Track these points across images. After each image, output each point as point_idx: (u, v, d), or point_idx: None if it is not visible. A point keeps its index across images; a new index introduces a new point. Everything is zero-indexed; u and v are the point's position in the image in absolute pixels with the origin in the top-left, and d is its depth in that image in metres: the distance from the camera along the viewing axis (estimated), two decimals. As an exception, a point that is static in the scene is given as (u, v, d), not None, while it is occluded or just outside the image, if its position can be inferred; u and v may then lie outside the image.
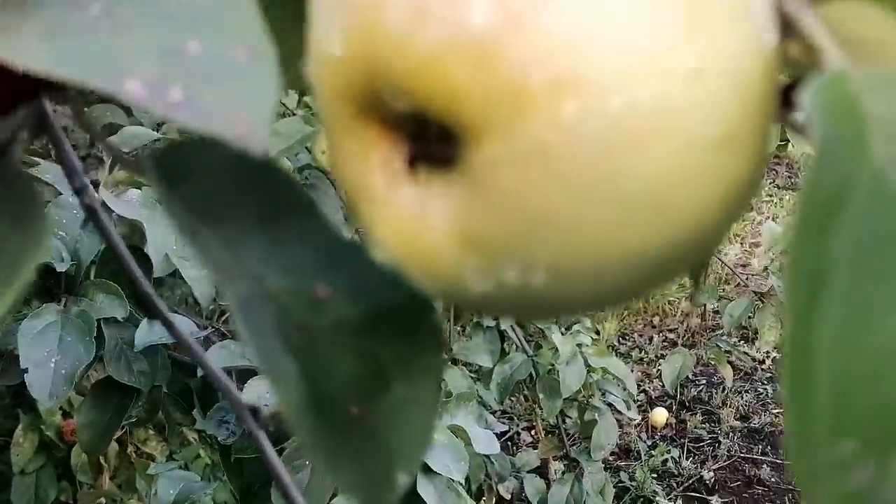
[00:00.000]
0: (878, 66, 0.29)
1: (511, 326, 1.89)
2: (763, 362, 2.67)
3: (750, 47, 0.28)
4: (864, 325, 0.25)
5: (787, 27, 0.30)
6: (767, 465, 2.32)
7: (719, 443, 2.45)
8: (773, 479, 2.23)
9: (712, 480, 2.29)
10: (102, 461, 1.67)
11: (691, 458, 2.30)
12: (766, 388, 2.43)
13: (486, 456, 1.68)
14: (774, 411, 2.44)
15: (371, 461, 0.37)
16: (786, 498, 2.13)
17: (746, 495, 2.24)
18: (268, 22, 0.44)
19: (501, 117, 0.27)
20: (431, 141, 0.29)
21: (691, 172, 0.27)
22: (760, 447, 2.33)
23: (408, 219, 0.30)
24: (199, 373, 1.43)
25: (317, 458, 0.36)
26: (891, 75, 0.28)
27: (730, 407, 2.51)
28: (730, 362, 2.21)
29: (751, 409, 2.41)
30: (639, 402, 2.17)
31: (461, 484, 1.32)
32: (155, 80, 0.26)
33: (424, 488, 1.27)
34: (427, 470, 1.27)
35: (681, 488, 2.22)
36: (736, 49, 0.28)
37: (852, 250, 0.25)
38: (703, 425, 2.52)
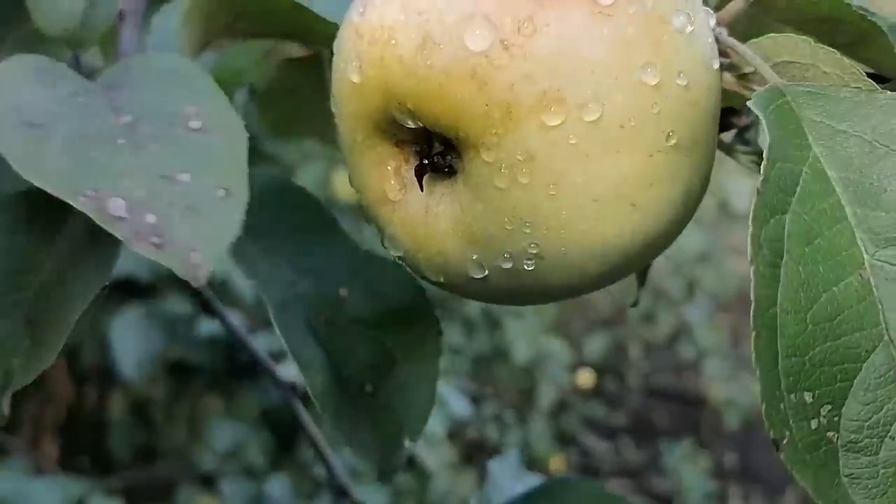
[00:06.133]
0: (803, 83, 0.24)
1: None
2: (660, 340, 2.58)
3: (700, 67, 0.24)
4: (811, 295, 0.21)
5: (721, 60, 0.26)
6: (660, 412, 2.27)
7: (625, 397, 2.39)
8: (665, 424, 2.19)
9: (621, 424, 2.23)
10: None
11: (607, 408, 2.23)
12: (662, 357, 2.37)
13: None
14: (667, 375, 2.39)
15: (382, 430, 0.32)
16: (669, 437, 2.06)
17: (646, 436, 2.19)
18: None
19: (496, 129, 0.22)
20: (435, 153, 0.24)
21: (654, 172, 0.23)
22: (656, 400, 2.28)
23: (417, 219, 0.25)
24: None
25: (338, 428, 0.31)
26: (816, 88, 0.23)
27: (634, 370, 2.44)
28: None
29: (650, 373, 2.35)
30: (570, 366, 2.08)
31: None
32: (138, 203, 0.21)
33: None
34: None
35: (598, 431, 2.16)
36: (688, 68, 0.23)
37: (801, 226, 0.21)
38: (615, 384, 2.45)
